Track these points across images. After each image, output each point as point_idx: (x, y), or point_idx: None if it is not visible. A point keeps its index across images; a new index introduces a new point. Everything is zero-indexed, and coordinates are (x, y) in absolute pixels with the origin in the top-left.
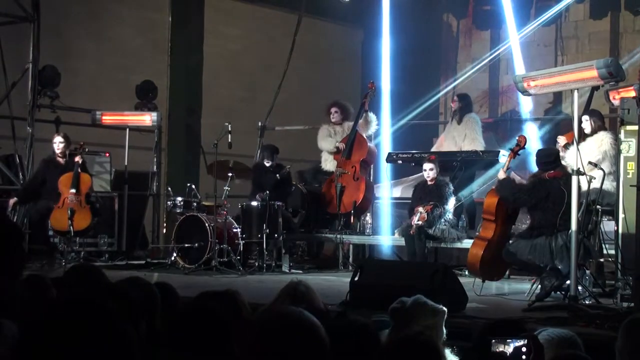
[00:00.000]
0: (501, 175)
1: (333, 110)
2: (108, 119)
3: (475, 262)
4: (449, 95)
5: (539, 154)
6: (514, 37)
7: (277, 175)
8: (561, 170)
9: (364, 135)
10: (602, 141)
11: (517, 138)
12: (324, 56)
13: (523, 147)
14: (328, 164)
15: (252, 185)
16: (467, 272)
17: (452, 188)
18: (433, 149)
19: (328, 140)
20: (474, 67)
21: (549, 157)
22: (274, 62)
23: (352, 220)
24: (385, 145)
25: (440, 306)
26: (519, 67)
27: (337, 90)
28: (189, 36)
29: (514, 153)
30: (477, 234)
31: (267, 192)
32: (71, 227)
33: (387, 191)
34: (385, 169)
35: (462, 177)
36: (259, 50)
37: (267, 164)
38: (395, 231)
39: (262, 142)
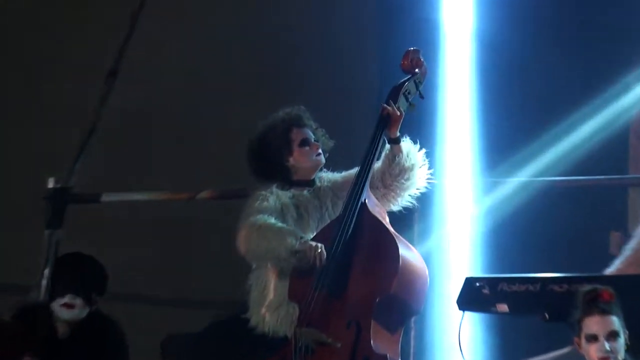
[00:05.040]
0: None
1: (298, 138)
2: None
3: None
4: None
5: None
6: None
7: None
8: None
9: (386, 216)
10: None
11: None
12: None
13: None
14: (269, 312)
15: None
16: None
17: None
18: (611, 271)
19: (275, 235)
20: None
21: None
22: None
23: None
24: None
25: None
26: None
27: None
28: None
29: None
30: None
31: None
32: None
33: None
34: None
35: None
36: None
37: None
38: None
39: (58, 240)
